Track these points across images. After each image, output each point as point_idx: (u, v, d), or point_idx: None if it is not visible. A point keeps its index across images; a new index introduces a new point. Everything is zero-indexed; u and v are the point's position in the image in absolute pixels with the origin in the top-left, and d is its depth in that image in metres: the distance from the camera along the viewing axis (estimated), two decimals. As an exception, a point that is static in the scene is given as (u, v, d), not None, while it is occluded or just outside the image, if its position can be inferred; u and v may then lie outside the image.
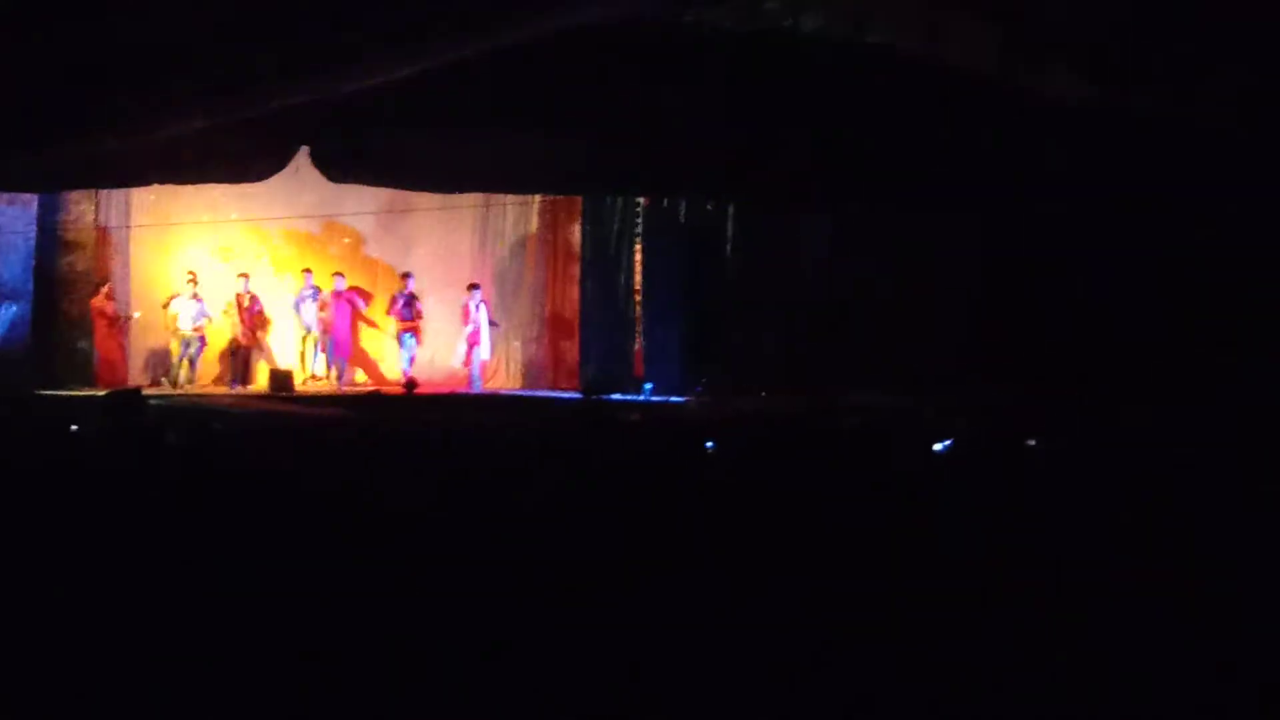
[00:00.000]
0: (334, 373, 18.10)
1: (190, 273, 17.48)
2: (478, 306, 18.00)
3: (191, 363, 17.41)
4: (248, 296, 17.81)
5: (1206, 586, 4.88)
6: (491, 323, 18.11)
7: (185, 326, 17.28)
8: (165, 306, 17.45)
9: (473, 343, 17.95)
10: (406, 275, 18.27)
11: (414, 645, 4.18)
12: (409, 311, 18.04)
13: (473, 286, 18.23)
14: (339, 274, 18.20)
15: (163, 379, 17.41)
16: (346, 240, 18.94)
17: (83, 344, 17.29)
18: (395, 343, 18.30)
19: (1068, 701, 3.92)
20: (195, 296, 17.36)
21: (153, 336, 17.90)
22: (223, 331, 17.88)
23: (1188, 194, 13.74)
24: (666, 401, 15.97)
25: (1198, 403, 11.80)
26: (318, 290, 18.07)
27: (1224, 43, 12.17)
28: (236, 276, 17.92)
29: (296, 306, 18.14)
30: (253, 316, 17.84)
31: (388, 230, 18.99)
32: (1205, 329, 13.66)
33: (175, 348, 17.38)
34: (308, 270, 18.24)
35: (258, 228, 18.45)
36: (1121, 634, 4.44)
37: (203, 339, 17.48)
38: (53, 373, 16.44)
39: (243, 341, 17.86)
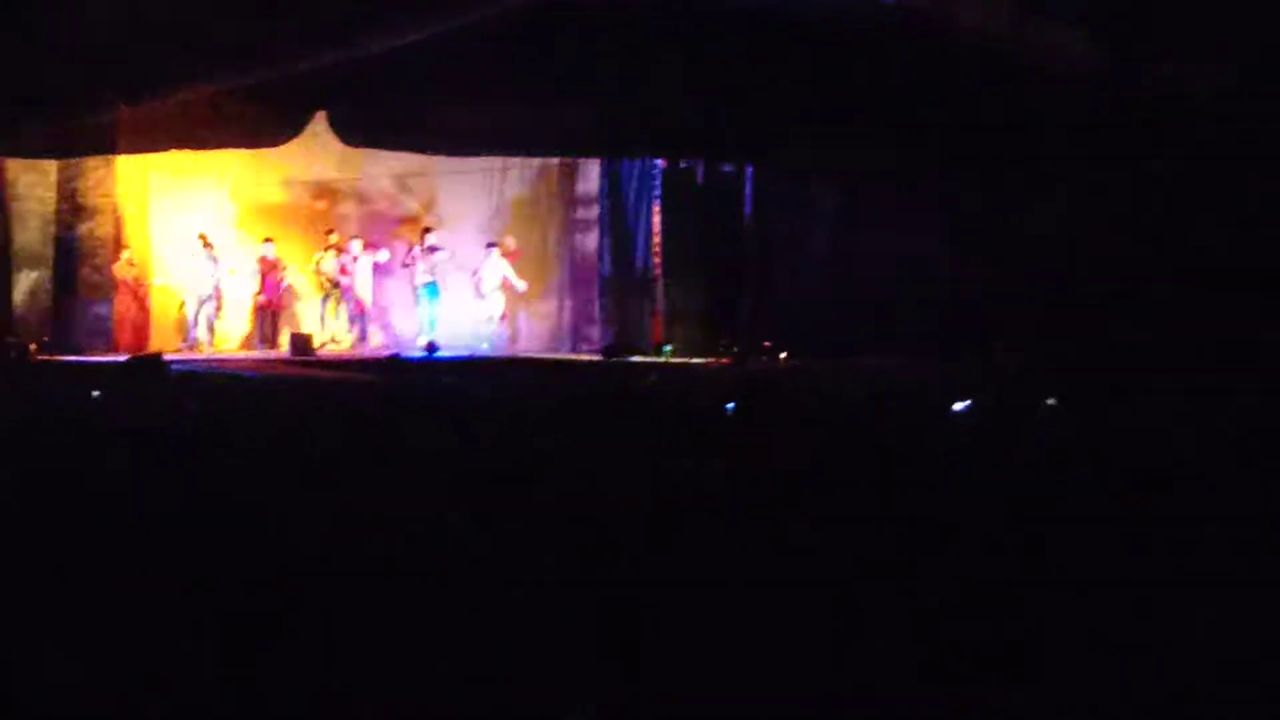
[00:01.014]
0: (355, 334, 18.20)
1: (201, 235, 17.54)
2: (494, 263, 18.08)
3: (209, 323, 17.51)
4: (272, 260, 17.88)
5: (1220, 551, 4.88)
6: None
7: (203, 287, 17.38)
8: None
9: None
10: (426, 230, 18.29)
11: (438, 608, 4.20)
12: (427, 265, 18.07)
13: (490, 245, 18.29)
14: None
15: (181, 345, 17.46)
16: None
17: (103, 309, 17.35)
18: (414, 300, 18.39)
19: (1077, 679, 3.92)
20: (212, 258, 17.45)
21: (173, 301, 17.97)
22: (244, 291, 18.01)
23: (1203, 161, 13.67)
24: (686, 364, 15.97)
25: (1217, 373, 11.75)
26: (339, 250, 18.11)
27: (1235, 13, 12.08)
28: (261, 240, 17.97)
29: (326, 268, 18.19)
30: (275, 279, 17.91)
31: (404, 191, 19.00)
32: (1221, 297, 13.61)
33: (191, 306, 17.50)
34: (330, 230, 18.29)
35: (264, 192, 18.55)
36: (1136, 598, 4.44)
37: (218, 299, 17.58)
38: (74, 339, 16.52)
39: (266, 304, 17.96)
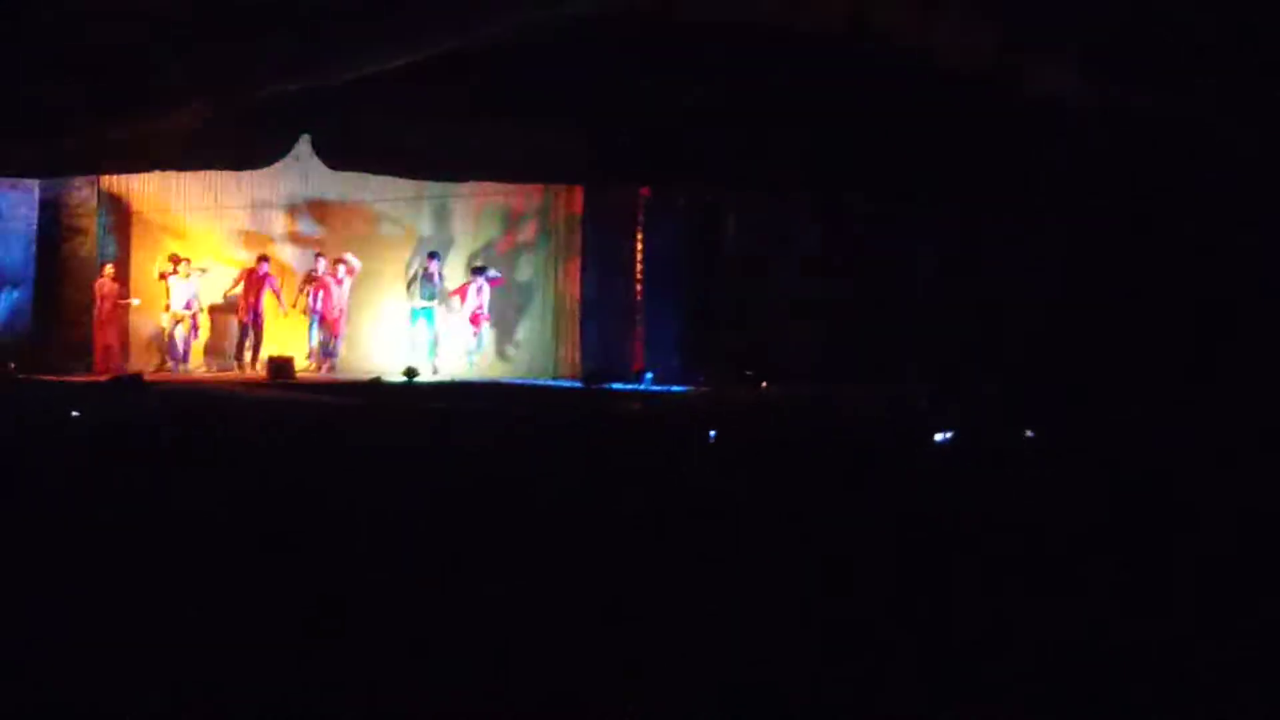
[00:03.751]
0: (324, 355, 18.03)
1: (173, 255, 17.47)
2: (479, 290, 18.03)
3: (185, 343, 17.43)
4: (261, 276, 17.71)
5: (1202, 575, 4.90)
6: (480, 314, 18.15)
7: (177, 306, 17.33)
8: (161, 278, 17.44)
9: (474, 324, 18.06)
10: (432, 254, 18.24)
11: (417, 637, 4.20)
12: (427, 290, 18.04)
13: (477, 270, 18.24)
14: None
15: (168, 363, 17.38)
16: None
17: (84, 329, 17.25)
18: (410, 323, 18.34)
19: (1065, 698, 3.94)
20: (188, 276, 17.36)
21: (152, 322, 17.87)
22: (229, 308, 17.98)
23: (1184, 191, 13.77)
24: (667, 391, 15.96)
25: (1193, 398, 11.83)
26: (316, 271, 17.98)
27: (1222, 40, 12.18)
28: (257, 259, 17.84)
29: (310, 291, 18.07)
30: (259, 296, 17.73)
31: (388, 214, 18.98)
32: (1201, 325, 13.70)
33: (167, 325, 17.43)
34: (319, 254, 18.19)
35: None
36: (1120, 623, 4.46)
37: (195, 320, 17.51)
38: (54, 358, 16.43)
39: (251, 322, 17.81)
